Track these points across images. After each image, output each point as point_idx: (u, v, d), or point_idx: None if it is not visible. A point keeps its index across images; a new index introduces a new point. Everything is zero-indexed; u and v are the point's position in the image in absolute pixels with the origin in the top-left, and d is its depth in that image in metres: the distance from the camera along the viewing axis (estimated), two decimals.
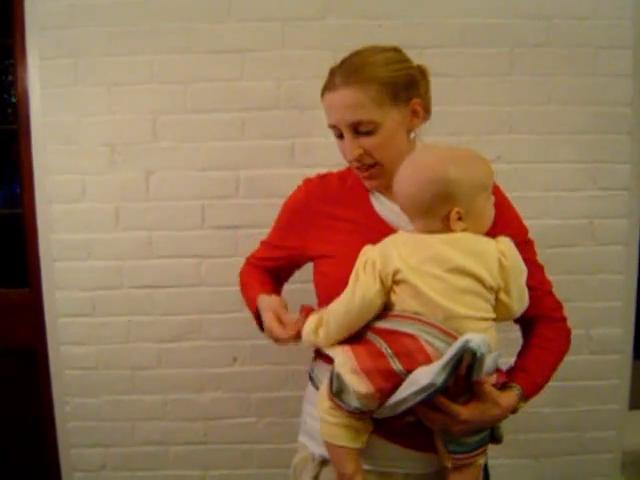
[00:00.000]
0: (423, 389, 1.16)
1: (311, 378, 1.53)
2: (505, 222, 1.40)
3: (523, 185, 2.26)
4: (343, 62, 1.40)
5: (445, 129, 2.17)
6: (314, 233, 1.48)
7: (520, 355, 1.43)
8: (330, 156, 2.20)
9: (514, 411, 1.33)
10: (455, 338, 1.17)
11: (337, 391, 1.24)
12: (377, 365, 1.20)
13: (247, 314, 2.31)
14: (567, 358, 2.34)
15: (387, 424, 1.29)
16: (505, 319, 1.32)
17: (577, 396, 2.39)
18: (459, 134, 2.22)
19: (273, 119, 2.24)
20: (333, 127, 1.41)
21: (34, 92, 2.26)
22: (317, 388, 1.44)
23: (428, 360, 1.18)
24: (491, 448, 1.37)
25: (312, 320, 1.32)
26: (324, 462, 1.43)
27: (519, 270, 1.27)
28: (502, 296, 1.26)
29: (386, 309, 1.27)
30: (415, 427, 1.30)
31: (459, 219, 1.24)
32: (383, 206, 1.44)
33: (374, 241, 1.31)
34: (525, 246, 1.43)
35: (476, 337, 1.13)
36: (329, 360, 1.34)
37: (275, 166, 2.25)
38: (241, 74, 2.23)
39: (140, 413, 2.39)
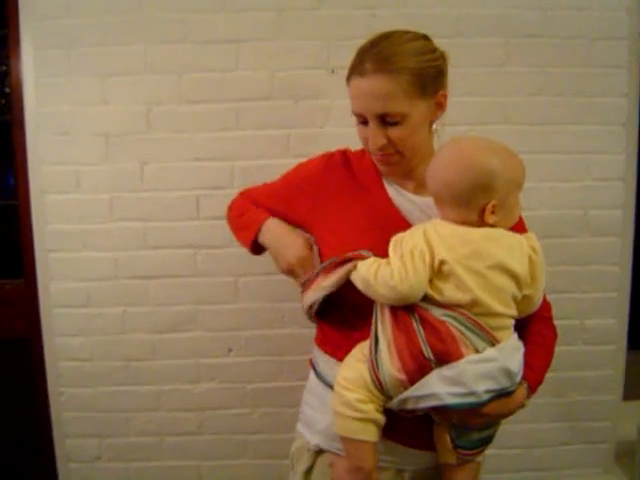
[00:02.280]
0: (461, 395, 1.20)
1: (314, 369, 1.51)
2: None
3: None
4: (373, 45, 1.33)
5: (439, 119, 2.16)
6: (323, 206, 1.45)
7: (525, 352, 1.41)
8: (325, 146, 2.21)
9: (522, 406, 1.33)
10: (488, 333, 1.21)
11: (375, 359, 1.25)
12: (409, 346, 1.22)
13: (242, 305, 2.34)
14: (561, 348, 2.33)
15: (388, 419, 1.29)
16: (525, 313, 1.34)
17: (571, 386, 2.41)
18: (454, 124, 2.18)
19: (268, 109, 2.24)
20: (358, 115, 1.36)
21: (28, 82, 2.24)
22: (320, 379, 1.44)
23: (459, 352, 1.19)
24: None
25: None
26: (320, 452, 1.44)
27: (544, 266, 1.30)
28: (527, 291, 1.28)
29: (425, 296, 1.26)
30: (414, 424, 1.31)
31: (492, 212, 1.24)
32: (399, 195, 1.42)
33: (384, 228, 1.31)
34: None
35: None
36: (335, 352, 1.38)
37: (270, 156, 2.25)
38: (236, 64, 2.22)
39: (135, 404, 2.39)
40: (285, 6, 2.20)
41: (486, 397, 1.19)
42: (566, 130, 2.27)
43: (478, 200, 1.24)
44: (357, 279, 1.28)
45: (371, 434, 1.27)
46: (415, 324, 1.23)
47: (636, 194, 2.35)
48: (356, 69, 1.33)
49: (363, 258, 1.29)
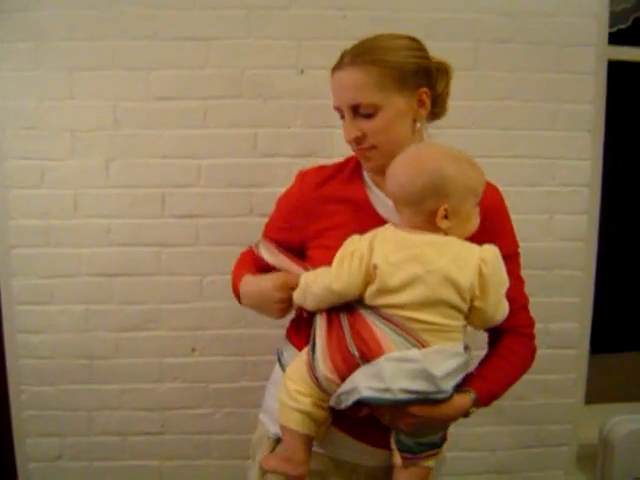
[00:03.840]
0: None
1: (280, 360, 1.53)
2: (502, 233, 1.44)
3: None
4: (356, 44, 1.38)
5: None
6: (312, 226, 1.46)
7: (482, 362, 1.41)
8: (292, 146, 2.22)
9: (466, 414, 1.32)
10: (414, 337, 1.21)
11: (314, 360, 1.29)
12: (340, 347, 1.25)
13: (207, 304, 2.33)
14: None
15: (345, 416, 1.31)
16: (481, 326, 1.33)
17: (534, 389, 2.42)
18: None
19: (236, 108, 2.23)
20: (337, 109, 1.39)
21: None
22: (284, 370, 1.45)
23: (381, 351, 1.21)
24: (448, 440, 1.38)
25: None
26: (278, 441, 1.45)
27: (499, 280, 1.27)
28: (477, 303, 1.25)
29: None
30: (369, 421, 1.31)
31: (445, 217, 1.24)
32: (377, 199, 1.43)
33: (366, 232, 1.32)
34: (513, 259, 1.46)
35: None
36: (302, 345, 1.38)
37: (237, 155, 2.24)
38: (205, 62, 2.21)
39: (97, 403, 2.36)
40: (255, 5, 2.19)
41: (403, 397, 1.19)
42: (532, 135, 2.29)
43: (429, 203, 1.24)
44: (296, 292, 1.35)
45: (305, 426, 1.29)
46: (345, 326, 1.26)
47: (601, 200, 2.37)
48: (336, 64, 1.38)
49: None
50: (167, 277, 2.30)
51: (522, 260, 2.27)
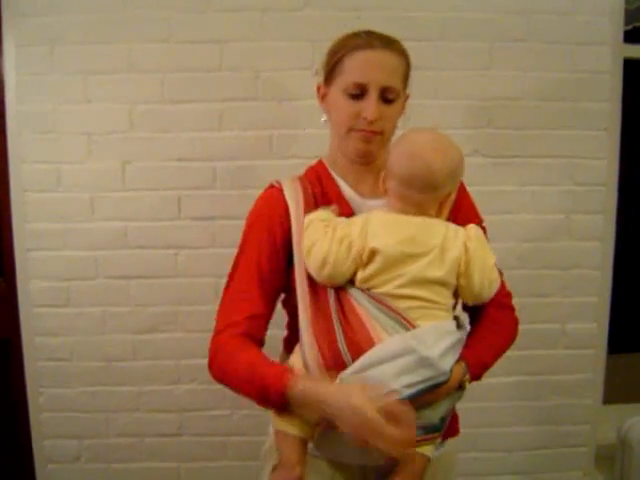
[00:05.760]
0: None
1: None
2: (467, 208, 1.49)
3: (500, 179, 2.28)
4: (375, 32, 1.38)
5: (423, 122, 2.15)
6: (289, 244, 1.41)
7: (467, 336, 1.39)
8: (308, 148, 2.21)
9: (461, 386, 1.32)
10: (406, 321, 1.23)
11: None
12: (328, 337, 1.26)
13: None
14: (542, 352, 2.38)
15: None
16: (472, 301, 1.37)
17: (551, 390, 2.41)
18: (437, 127, 2.21)
19: (251, 110, 2.23)
20: (357, 85, 1.35)
21: (9, 79, 2.23)
22: None
23: (372, 343, 1.22)
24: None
25: None
26: None
27: (483, 255, 1.31)
28: (462, 281, 1.30)
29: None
30: None
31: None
32: (348, 195, 1.44)
33: None
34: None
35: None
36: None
37: (253, 157, 2.25)
38: (220, 64, 2.22)
39: (115, 405, 2.37)
40: (269, 6, 2.20)
41: (408, 392, 1.18)
42: (549, 135, 2.29)
43: (447, 188, 1.31)
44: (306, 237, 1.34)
45: (295, 429, 1.27)
46: (334, 315, 1.28)
47: (618, 199, 2.36)
48: (361, 45, 1.35)
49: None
50: (183, 279, 2.31)
51: (539, 260, 2.30)
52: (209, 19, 2.20)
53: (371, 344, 1.22)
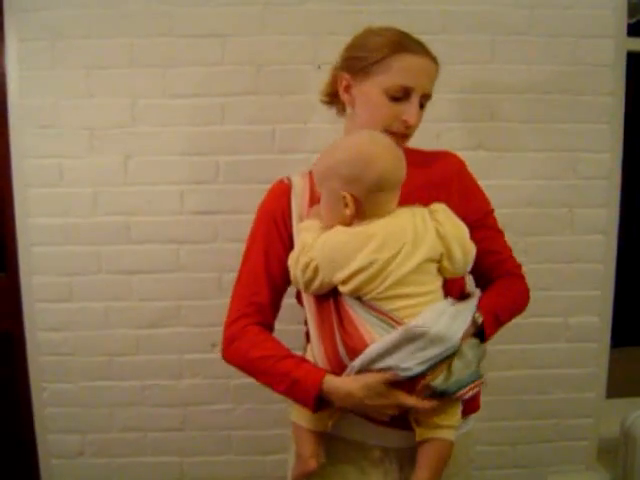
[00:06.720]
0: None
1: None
2: (474, 193, 1.52)
3: (503, 173, 2.27)
4: (413, 37, 1.40)
5: (426, 116, 2.16)
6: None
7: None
8: (310, 142, 2.22)
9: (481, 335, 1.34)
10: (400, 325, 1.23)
11: None
12: (331, 344, 1.30)
13: (226, 300, 2.32)
14: (545, 346, 2.38)
15: None
16: (456, 275, 1.36)
17: (554, 384, 2.41)
18: (440, 121, 2.22)
19: (253, 104, 2.23)
20: (403, 89, 1.35)
21: (11, 74, 2.22)
22: None
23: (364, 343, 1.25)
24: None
25: None
26: None
27: (458, 232, 1.31)
28: (445, 263, 1.30)
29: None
30: None
31: None
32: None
33: None
34: (490, 215, 1.52)
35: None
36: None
37: (255, 151, 2.24)
38: (221, 58, 2.21)
39: (118, 399, 2.38)
40: (271, 0, 2.19)
41: (419, 369, 1.21)
42: (551, 128, 2.28)
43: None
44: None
45: (308, 422, 1.33)
46: (334, 318, 1.30)
47: (621, 192, 2.35)
48: (406, 47, 1.36)
49: None
50: (186, 274, 2.31)
51: (543, 254, 2.30)
52: (211, 13, 2.19)
53: (365, 348, 1.24)
